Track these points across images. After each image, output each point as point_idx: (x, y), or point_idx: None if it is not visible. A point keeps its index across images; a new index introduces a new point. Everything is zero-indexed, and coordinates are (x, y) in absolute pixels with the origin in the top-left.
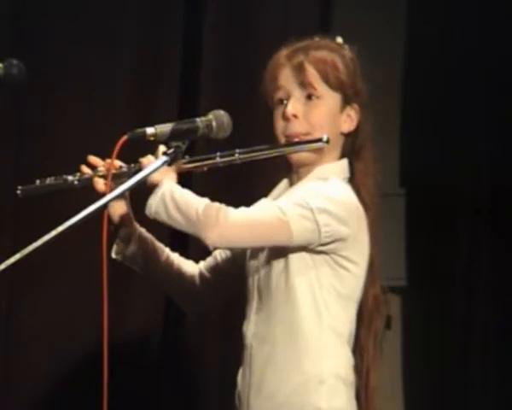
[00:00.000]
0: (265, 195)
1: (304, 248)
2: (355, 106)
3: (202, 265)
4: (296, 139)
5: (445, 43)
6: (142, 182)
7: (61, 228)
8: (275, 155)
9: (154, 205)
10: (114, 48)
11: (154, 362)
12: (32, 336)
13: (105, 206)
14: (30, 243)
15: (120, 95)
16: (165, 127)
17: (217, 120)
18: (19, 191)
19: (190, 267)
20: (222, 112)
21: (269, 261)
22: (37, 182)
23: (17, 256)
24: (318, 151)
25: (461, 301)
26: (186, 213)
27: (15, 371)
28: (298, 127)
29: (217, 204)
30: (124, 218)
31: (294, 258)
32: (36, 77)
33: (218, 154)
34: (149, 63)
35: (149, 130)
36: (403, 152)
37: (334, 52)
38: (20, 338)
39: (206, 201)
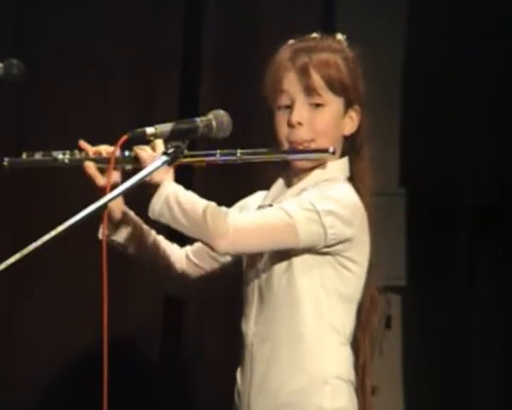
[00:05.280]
0: (261, 188)
1: (308, 249)
2: (356, 107)
3: (189, 249)
4: (300, 147)
5: (445, 42)
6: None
7: (60, 228)
8: (276, 159)
9: (157, 207)
10: (114, 48)
11: (154, 362)
12: (31, 335)
13: (105, 206)
14: (30, 242)
15: (120, 95)
16: (165, 127)
17: (217, 119)
18: (5, 162)
19: (176, 250)
20: (222, 112)
21: (271, 261)
22: (24, 155)
23: (17, 256)
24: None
25: (461, 300)
26: (193, 219)
27: (16, 370)
28: (302, 134)
29: (223, 210)
30: (114, 202)
31: (298, 259)
32: (36, 77)
33: (219, 151)
34: (149, 63)
35: (149, 130)
36: (403, 152)
37: (337, 53)
38: (20, 338)
39: (211, 205)
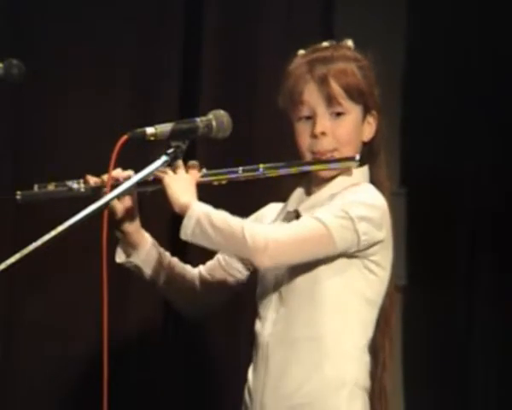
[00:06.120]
0: (271, 196)
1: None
2: (373, 112)
3: (202, 268)
4: (324, 157)
5: (445, 42)
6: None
7: (60, 228)
8: (300, 172)
9: (189, 230)
10: (114, 48)
11: (154, 362)
12: (32, 336)
13: (105, 206)
14: (30, 243)
15: (120, 95)
16: (165, 127)
17: (217, 119)
18: (18, 196)
19: (190, 271)
20: (222, 112)
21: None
22: (36, 187)
23: (17, 256)
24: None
25: (461, 300)
26: (230, 238)
27: (15, 371)
28: (326, 144)
29: (259, 227)
30: (131, 224)
31: (324, 261)
32: (36, 77)
33: (241, 168)
34: (150, 63)
35: (149, 130)
36: (403, 152)
37: (352, 62)
38: (19, 339)
39: (246, 222)
